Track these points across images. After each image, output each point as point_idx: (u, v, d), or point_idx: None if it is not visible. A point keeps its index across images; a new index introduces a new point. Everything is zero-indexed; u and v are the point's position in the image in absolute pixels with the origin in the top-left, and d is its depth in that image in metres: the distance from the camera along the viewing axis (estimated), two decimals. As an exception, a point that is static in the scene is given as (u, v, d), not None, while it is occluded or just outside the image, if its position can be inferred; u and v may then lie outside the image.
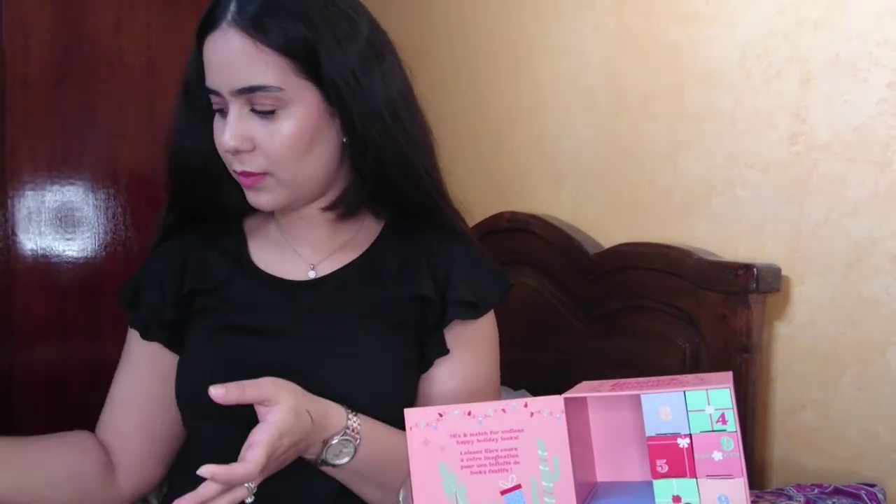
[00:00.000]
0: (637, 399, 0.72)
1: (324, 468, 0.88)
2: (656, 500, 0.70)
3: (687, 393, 0.70)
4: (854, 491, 1.12)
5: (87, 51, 2.20)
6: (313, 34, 0.89)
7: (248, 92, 0.88)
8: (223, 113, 0.91)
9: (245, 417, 0.94)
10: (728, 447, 0.69)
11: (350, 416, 0.88)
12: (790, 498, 1.10)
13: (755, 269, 1.22)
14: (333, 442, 0.86)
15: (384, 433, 0.91)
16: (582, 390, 0.78)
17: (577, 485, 0.73)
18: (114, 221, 2.26)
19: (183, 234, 1.05)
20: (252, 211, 1.05)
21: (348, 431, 0.87)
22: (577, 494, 0.72)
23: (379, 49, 0.95)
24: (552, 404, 0.74)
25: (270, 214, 1.05)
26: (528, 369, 1.62)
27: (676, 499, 0.69)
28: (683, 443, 0.70)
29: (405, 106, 0.97)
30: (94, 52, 2.21)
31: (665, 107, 1.47)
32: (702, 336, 1.30)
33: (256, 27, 0.87)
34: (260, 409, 0.81)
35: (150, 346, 1.01)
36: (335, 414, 0.87)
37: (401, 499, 0.84)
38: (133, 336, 1.03)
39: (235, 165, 0.92)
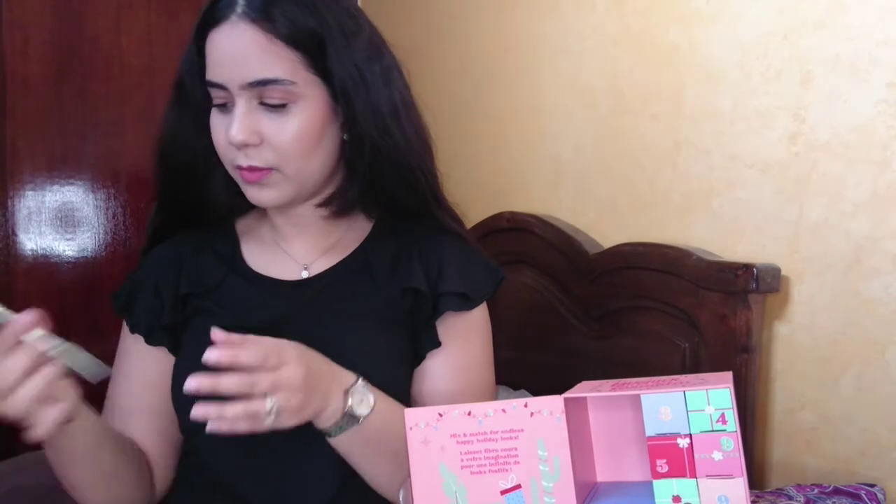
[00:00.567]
0: (637, 399, 0.72)
1: (337, 442, 0.87)
2: (656, 500, 0.70)
3: (687, 393, 0.70)
4: (854, 491, 1.12)
5: (87, 51, 2.20)
6: (322, 29, 0.90)
7: (259, 85, 0.88)
8: (225, 108, 0.90)
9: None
10: (728, 447, 0.69)
11: (358, 375, 0.88)
12: (790, 498, 1.10)
13: (755, 269, 1.22)
14: (357, 386, 0.86)
15: (387, 397, 0.91)
16: (582, 390, 0.78)
17: (577, 485, 0.73)
18: (114, 221, 2.26)
19: (174, 238, 1.04)
20: (243, 212, 1.05)
21: (361, 381, 0.87)
22: (577, 494, 0.72)
23: (379, 47, 0.96)
24: (552, 404, 0.74)
25: (262, 216, 1.05)
26: (527, 369, 1.62)
27: (676, 499, 0.69)
28: (683, 443, 0.70)
29: (404, 106, 0.97)
30: (94, 52, 2.21)
31: (665, 107, 1.47)
32: (702, 336, 1.30)
33: (268, 20, 0.87)
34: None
35: (153, 350, 1.00)
36: (346, 372, 0.87)
37: (401, 499, 0.84)
38: (132, 342, 1.02)
39: (241, 160, 0.90)
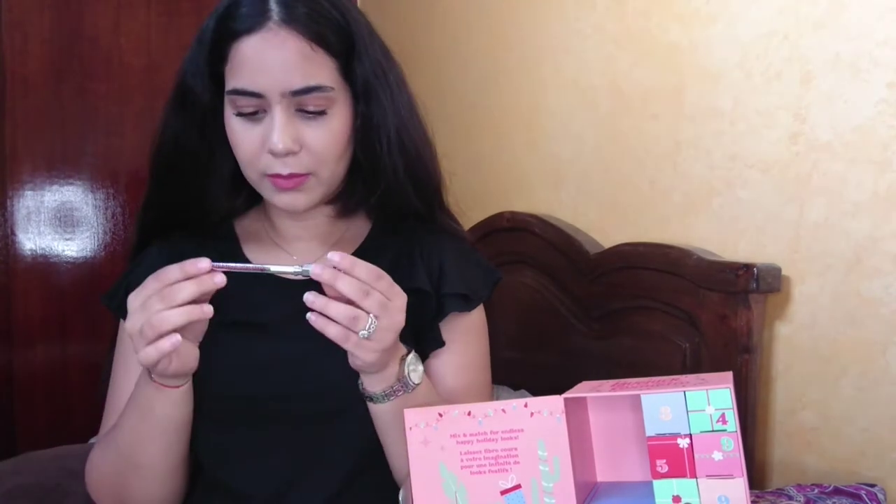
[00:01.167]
0: (637, 399, 0.72)
1: (378, 409, 0.87)
2: (656, 500, 0.70)
3: (687, 393, 0.70)
4: (854, 491, 1.12)
5: (86, 51, 2.20)
6: (352, 36, 0.91)
7: (303, 93, 0.88)
8: (254, 116, 0.90)
9: (248, 417, 0.94)
10: (728, 447, 0.69)
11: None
12: (790, 498, 1.10)
13: (755, 269, 1.22)
14: (411, 356, 0.88)
15: (427, 384, 0.93)
16: (582, 390, 0.78)
17: (577, 485, 0.73)
18: (113, 221, 2.26)
19: (172, 238, 1.03)
20: (240, 214, 1.05)
21: (414, 353, 0.89)
22: (577, 494, 0.72)
23: (389, 53, 0.98)
24: (552, 404, 0.74)
25: (260, 216, 1.05)
26: (528, 369, 1.62)
27: (676, 499, 0.69)
28: (683, 443, 0.70)
29: (413, 111, 1.00)
30: (94, 52, 2.21)
31: (665, 107, 1.47)
32: (702, 336, 1.30)
33: (309, 28, 0.88)
34: None
35: None
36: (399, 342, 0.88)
37: (401, 499, 0.84)
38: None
39: (278, 168, 0.90)
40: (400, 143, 0.96)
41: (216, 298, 0.85)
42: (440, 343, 0.99)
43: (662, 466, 0.70)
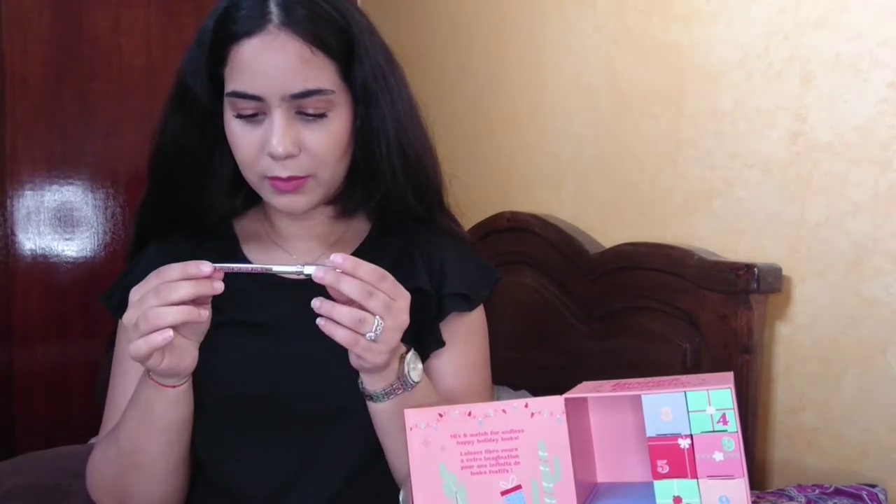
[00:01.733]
0: (638, 399, 0.72)
1: (377, 408, 0.87)
2: (657, 500, 0.70)
3: (688, 393, 0.70)
4: (855, 491, 1.11)
5: (86, 51, 2.20)
6: (353, 37, 0.91)
7: (303, 97, 0.88)
8: (253, 118, 0.90)
9: (247, 417, 0.94)
10: (729, 447, 0.68)
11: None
12: (791, 498, 1.10)
13: (756, 269, 1.22)
14: (410, 355, 0.87)
15: (427, 383, 0.92)
16: (582, 391, 0.78)
17: (578, 485, 0.73)
18: (113, 221, 2.26)
19: (171, 238, 1.03)
20: (239, 214, 1.05)
21: (413, 351, 0.88)
22: (578, 495, 0.72)
23: (391, 55, 0.98)
24: (553, 405, 0.74)
25: (260, 216, 1.05)
26: (528, 370, 1.62)
27: (677, 499, 0.69)
28: (684, 443, 0.69)
29: (413, 113, 0.99)
30: (94, 52, 2.21)
31: (665, 107, 1.47)
32: (702, 336, 1.30)
33: (310, 31, 0.87)
34: None
35: None
36: None
37: (401, 499, 0.84)
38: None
39: (277, 171, 0.90)
40: (399, 146, 0.96)
41: (216, 297, 0.85)
42: (441, 343, 0.99)
43: (663, 467, 0.70)
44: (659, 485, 0.70)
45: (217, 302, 0.91)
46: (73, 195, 2.22)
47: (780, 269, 1.25)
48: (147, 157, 1.01)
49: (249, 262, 1.01)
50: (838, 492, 1.12)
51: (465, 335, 1.01)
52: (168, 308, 0.77)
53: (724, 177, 1.37)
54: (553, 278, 1.63)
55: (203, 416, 0.92)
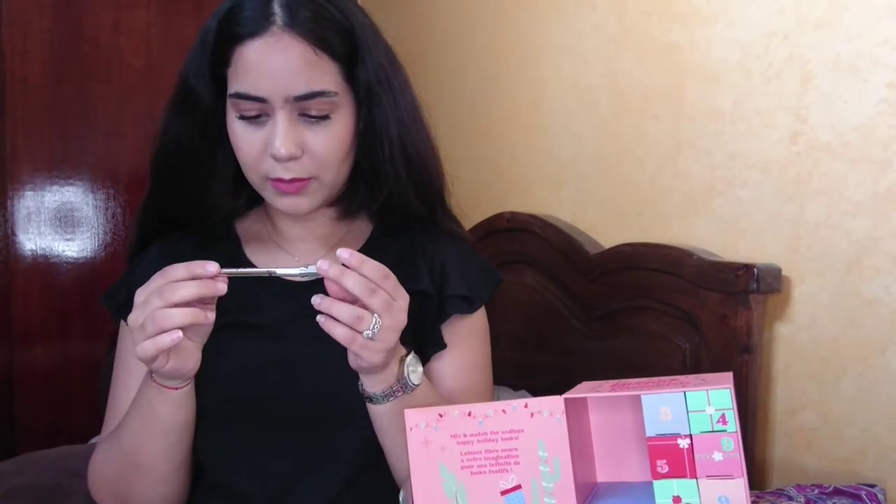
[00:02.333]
0: (637, 399, 0.72)
1: (376, 409, 0.87)
2: (656, 500, 0.70)
3: (687, 393, 0.70)
4: (854, 491, 1.12)
5: (86, 51, 2.20)
6: (356, 39, 0.91)
7: (306, 99, 0.88)
8: (256, 120, 0.90)
9: (248, 418, 0.94)
10: (728, 447, 0.69)
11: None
12: (790, 498, 1.10)
13: (755, 270, 1.22)
14: (411, 357, 0.87)
15: (428, 385, 0.92)
16: (582, 391, 0.78)
17: (578, 485, 0.73)
18: (113, 221, 2.26)
19: (172, 238, 1.03)
20: (241, 215, 1.05)
21: (413, 354, 0.88)
22: (578, 495, 0.72)
23: (394, 57, 0.98)
24: (552, 405, 0.74)
25: (261, 217, 1.05)
26: (528, 370, 1.62)
27: (677, 499, 0.69)
28: (684, 443, 0.70)
29: (416, 115, 0.99)
30: (94, 52, 2.21)
31: (665, 107, 1.47)
32: (702, 336, 1.30)
33: (314, 33, 0.87)
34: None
35: None
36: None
37: (401, 499, 0.84)
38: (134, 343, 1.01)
39: (280, 172, 0.90)
40: (402, 147, 0.96)
41: (218, 299, 0.85)
42: (442, 345, 0.99)
43: (662, 467, 0.70)
44: (658, 484, 0.70)
45: (219, 303, 0.91)
46: (73, 195, 2.22)
47: (779, 269, 1.25)
48: (148, 158, 1.01)
49: (252, 263, 1.01)
50: (838, 491, 1.12)
51: (467, 337, 1.01)
52: (175, 309, 0.77)
53: (723, 177, 1.37)
54: (553, 278, 1.63)
55: (204, 417, 0.92)
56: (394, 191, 0.98)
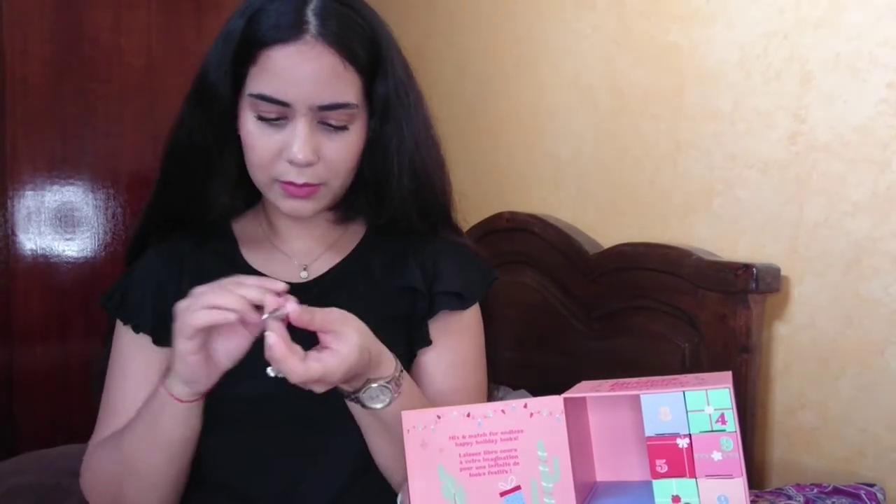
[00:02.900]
0: (636, 399, 0.72)
1: (351, 407, 0.87)
2: (656, 500, 0.70)
3: (686, 393, 0.70)
4: (853, 491, 1.12)
5: (87, 51, 2.20)
6: (380, 53, 0.93)
7: (330, 109, 0.89)
8: (275, 122, 0.90)
9: (250, 419, 0.94)
10: (727, 447, 0.69)
11: (398, 366, 0.87)
12: (789, 498, 1.10)
13: (755, 269, 1.22)
14: (373, 386, 0.85)
15: (418, 399, 0.91)
16: (581, 390, 0.78)
17: (577, 485, 0.73)
18: (113, 221, 2.26)
19: (169, 240, 1.03)
20: (238, 214, 1.05)
21: (391, 382, 0.86)
22: (577, 495, 0.72)
23: (410, 71, 0.99)
24: (552, 405, 0.74)
25: (258, 217, 1.05)
26: (527, 369, 1.62)
27: (676, 499, 0.69)
28: (683, 443, 0.70)
29: (428, 132, 1.00)
30: (94, 52, 2.21)
31: (665, 107, 1.47)
32: (701, 336, 1.30)
33: (345, 46, 0.88)
34: (325, 337, 0.80)
35: (158, 351, 0.99)
36: (386, 361, 0.86)
37: (399, 502, 0.84)
38: (132, 343, 0.99)
39: (293, 177, 0.91)
40: (411, 166, 0.98)
41: None
42: (427, 341, 0.98)
43: (662, 466, 0.70)
44: (658, 484, 0.70)
45: None
46: (73, 195, 2.21)
47: (778, 269, 1.25)
48: (148, 158, 1.01)
49: (248, 263, 1.01)
50: (837, 491, 1.12)
51: (457, 333, 1.01)
52: (238, 299, 0.78)
53: (723, 177, 1.37)
54: (553, 278, 1.63)
55: (206, 417, 0.92)
56: (398, 210, 0.99)
